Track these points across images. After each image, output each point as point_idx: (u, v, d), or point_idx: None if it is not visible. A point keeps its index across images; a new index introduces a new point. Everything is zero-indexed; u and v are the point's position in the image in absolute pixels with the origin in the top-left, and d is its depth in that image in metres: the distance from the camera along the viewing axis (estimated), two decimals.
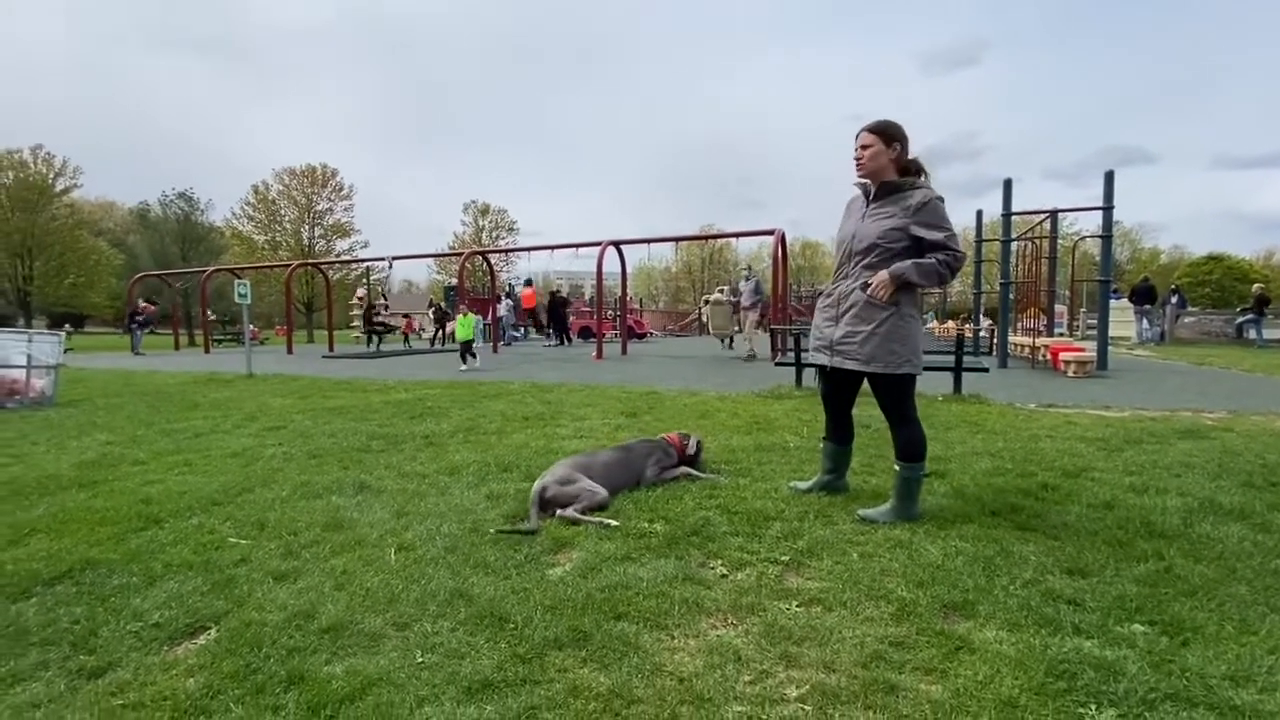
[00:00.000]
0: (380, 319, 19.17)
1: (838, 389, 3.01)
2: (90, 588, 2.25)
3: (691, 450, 3.52)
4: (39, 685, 1.69)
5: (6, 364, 6.90)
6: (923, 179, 2.75)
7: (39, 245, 36.22)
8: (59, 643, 1.89)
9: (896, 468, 2.79)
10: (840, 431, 3.10)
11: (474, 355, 11.42)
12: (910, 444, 2.78)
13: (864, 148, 2.73)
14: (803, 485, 3.21)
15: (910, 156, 2.76)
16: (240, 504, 3.18)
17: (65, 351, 7.96)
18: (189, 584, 2.26)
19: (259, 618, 1.99)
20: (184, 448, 4.58)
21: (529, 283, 24.12)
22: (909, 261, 2.64)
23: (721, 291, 15.13)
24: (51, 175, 37.09)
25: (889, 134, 2.71)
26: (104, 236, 44.37)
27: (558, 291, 22.91)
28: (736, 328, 13.94)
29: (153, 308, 20.39)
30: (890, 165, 2.72)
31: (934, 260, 2.61)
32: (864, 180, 2.81)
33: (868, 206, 2.80)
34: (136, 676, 1.72)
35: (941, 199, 2.68)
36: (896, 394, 2.78)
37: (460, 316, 11.58)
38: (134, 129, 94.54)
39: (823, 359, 2.90)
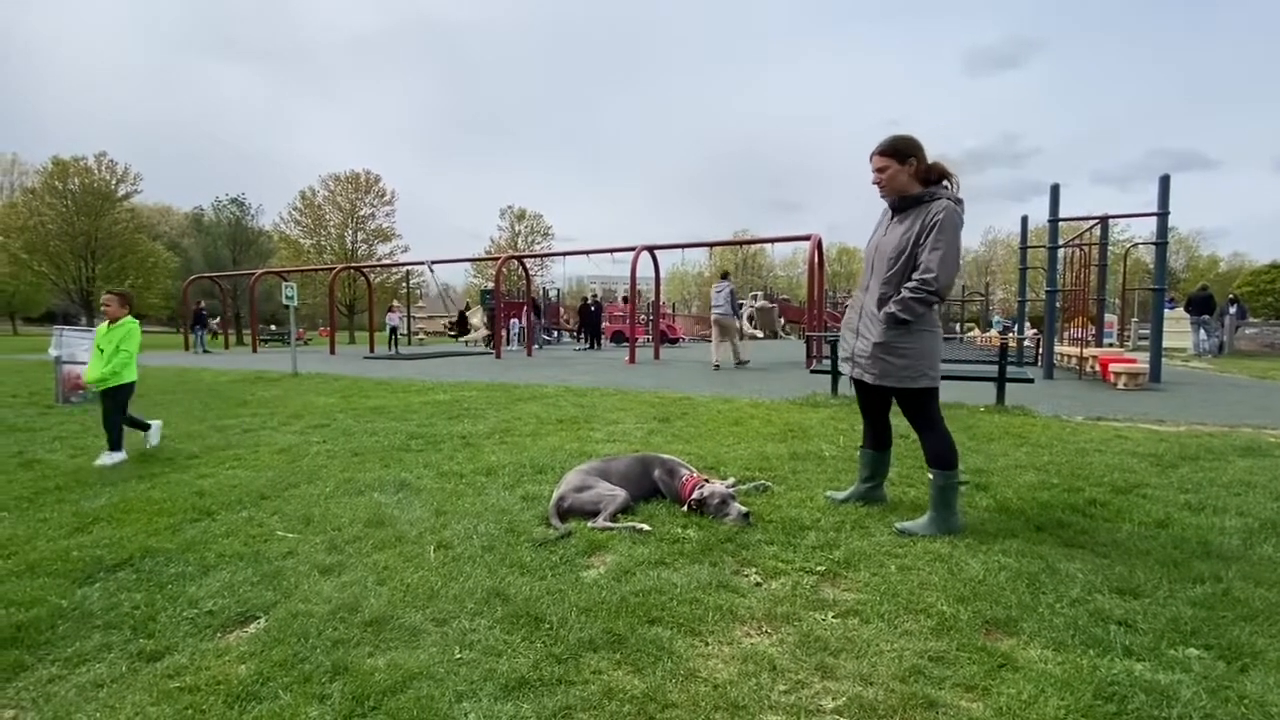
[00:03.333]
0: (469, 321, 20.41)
1: (868, 396, 3.03)
2: (149, 575, 2.36)
3: (692, 498, 2.97)
4: (102, 666, 1.78)
5: (72, 360, 7.27)
6: (946, 185, 2.70)
7: (101, 248, 38.13)
8: (121, 626, 1.99)
9: (930, 476, 2.76)
10: (876, 437, 3.08)
11: (144, 425, 4.63)
12: (939, 450, 2.76)
13: (879, 170, 2.73)
14: (839, 495, 3.17)
15: (930, 162, 2.71)
16: (287, 499, 3.29)
17: None
18: (240, 574, 2.35)
19: (306, 609, 2.06)
20: (234, 443, 4.76)
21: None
22: (894, 302, 2.66)
23: (755, 298, 15.10)
24: (114, 181, 39.03)
25: (901, 151, 2.69)
26: (161, 240, 46.43)
27: (590, 298, 23.16)
28: (765, 332, 13.82)
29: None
30: (911, 180, 2.70)
31: (907, 293, 2.62)
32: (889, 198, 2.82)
33: (892, 218, 2.81)
34: (192, 661, 1.80)
35: (960, 208, 2.63)
36: (917, 405, 2.81)
37: (103, 328, 4.49)
38: (191, 136, 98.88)
39: (847, 369, 2.99)
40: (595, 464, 3.28)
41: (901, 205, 2.74)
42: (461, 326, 21.39)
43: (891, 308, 2.67)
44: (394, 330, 22.98)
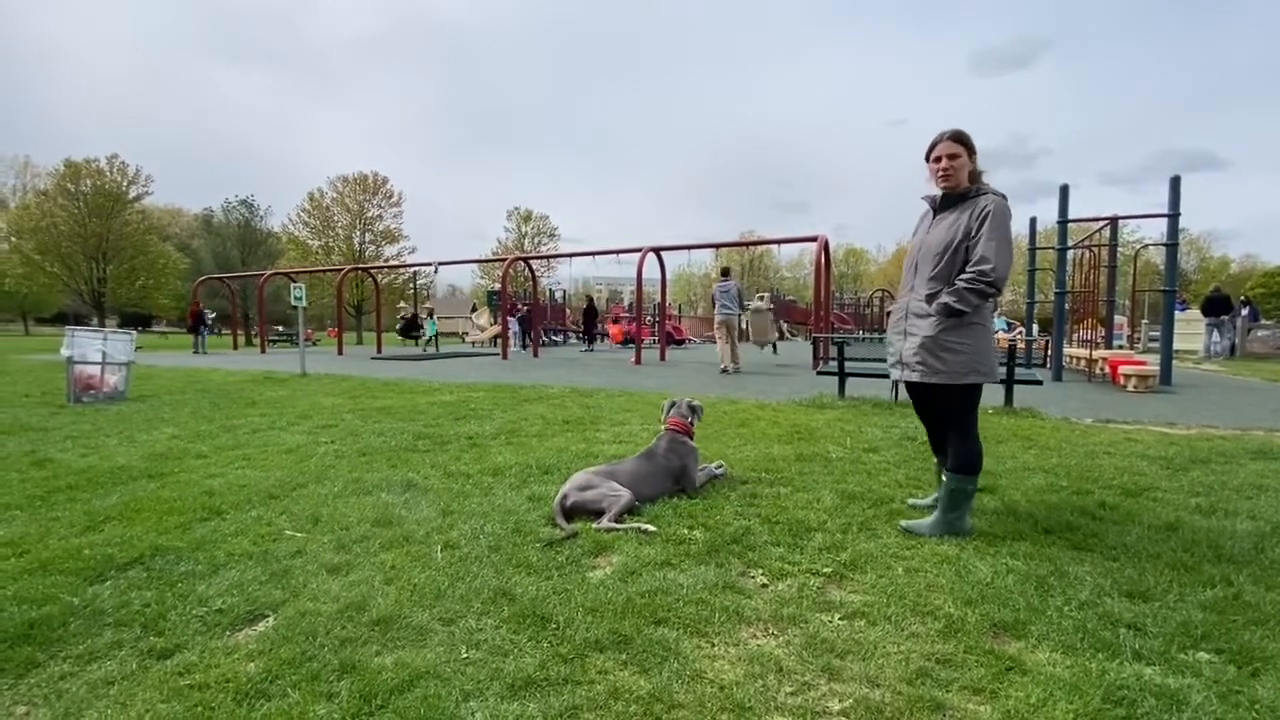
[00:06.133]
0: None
1: (921, 398, 2.92)
2: (159, 573, 2.38)
3: (693, 421, 3.62)
4: (113, 663, 1.80)
5: (84, 360, 7.34)
6: (986, 184, 2.70)
7: (112, 249, 38.47)
8: (131, 624, 2.00)
9: (945, 478, 2.71)
10: (940, 446, 2.97)
11: None
12: (968, 456, 2.69)
13: (952, 158, 2.65)
14: (922, 501, 3.09)
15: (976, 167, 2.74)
16: (295, 498, 3.31)
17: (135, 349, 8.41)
18: (249, 573, 2.36)
19: (314, 608, 2.07)
20: (243, 443, 4.79)
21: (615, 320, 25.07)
22: (948, 292, 2.60)
23: (761, 299, 15.08)
24: (125, 183, 39.37)
25: (970, 144, 2.68)
26: (171, 241, 46.79)
27: (591, 299, 23.28)
28: (776, 335, 13.77)
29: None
30: (969, 176, 2.70)
31: (962, 284, 2.56)
32: (933, 194, 2.77)
33: (934, 218, 2.76)
34: (202, 659, 1.81)
35: (1007, 204, 2.62)
36: (958, 404, 2.70)
37: None
38: (201, 138, 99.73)
39: (896, 373, 2.87)
40: (603, 467, 3.29)
41: (945, 203, 2.70)
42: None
43: (946, 299, 2.57)
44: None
